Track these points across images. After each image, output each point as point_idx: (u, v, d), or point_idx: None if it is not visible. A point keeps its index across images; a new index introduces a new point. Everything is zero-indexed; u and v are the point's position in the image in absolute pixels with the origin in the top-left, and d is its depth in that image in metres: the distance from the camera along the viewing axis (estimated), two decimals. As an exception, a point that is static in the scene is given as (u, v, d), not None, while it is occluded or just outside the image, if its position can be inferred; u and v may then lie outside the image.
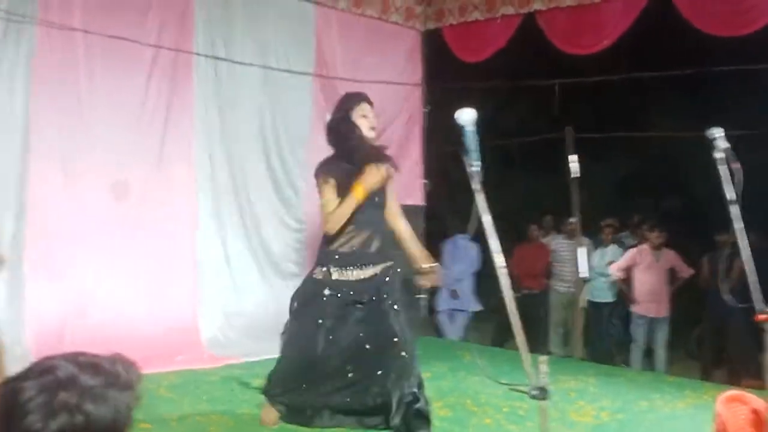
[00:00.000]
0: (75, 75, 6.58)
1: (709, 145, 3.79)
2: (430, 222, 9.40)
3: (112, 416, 1.28)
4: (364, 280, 4.77)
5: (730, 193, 3.67)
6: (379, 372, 4.66)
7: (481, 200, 3.08)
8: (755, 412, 4.07)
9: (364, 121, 4.88)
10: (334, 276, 4.75)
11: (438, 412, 5.54)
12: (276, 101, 7.99)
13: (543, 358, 2.85)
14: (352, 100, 4.99)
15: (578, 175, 9.16)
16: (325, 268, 4.79)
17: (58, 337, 6.17)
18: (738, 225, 3.68)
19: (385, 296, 4.73)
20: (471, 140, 3.18)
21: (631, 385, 6.70)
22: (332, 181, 4.79)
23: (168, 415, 5.10)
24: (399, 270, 4.89)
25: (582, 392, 6.28)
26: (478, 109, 3.14)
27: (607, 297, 9.28)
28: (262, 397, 5.14)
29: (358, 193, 4.68)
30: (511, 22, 8.52)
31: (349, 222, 4.73)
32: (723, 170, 3.69)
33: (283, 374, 4.93)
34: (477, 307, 9.74)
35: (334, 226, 4.72)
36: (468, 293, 9.72)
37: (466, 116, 3.20)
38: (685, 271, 8.88)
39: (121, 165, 6.83)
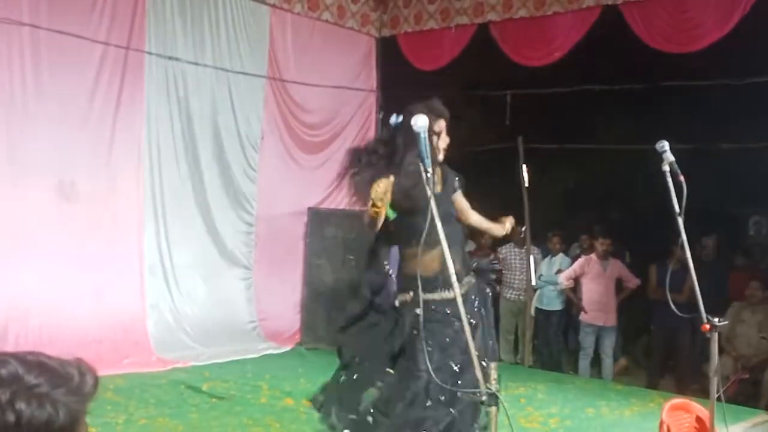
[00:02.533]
0: (21, 70, 6.44)
1: (656, 157, 3.86)
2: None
3: (46, 418, 1.24)
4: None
5: (676, 206, 3.74)
6: None
7: (434, 205, 3.10)
8: (699, 420, 4.17)
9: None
10: None
11: (387, 418, 5.54)
12: (228, 103, 7.93)
13: (493, 364, 2.87)
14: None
15: (528, 184, 9.29)
16: None
17: (1, 340, 6.02)
18: (683, 237, 3.75)
19: None
20: (425, 146, 3.21)
21: (579, 392, 6.80)
22: None
23: (114, 418, 5.01)
24: None
25: (531, 399, 6.35)
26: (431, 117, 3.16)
27: (555, 305, 9.38)
28: (211, 400, 5.09)
29: None
30: (465, 31, 8.60)
31: None
32: (669, 183, 3.76)
33: None
34: None
35: None
36: None
37: (421, 122, 3.23)
38: (632, 281, 9.02)
39: (68, 164, 6.70)
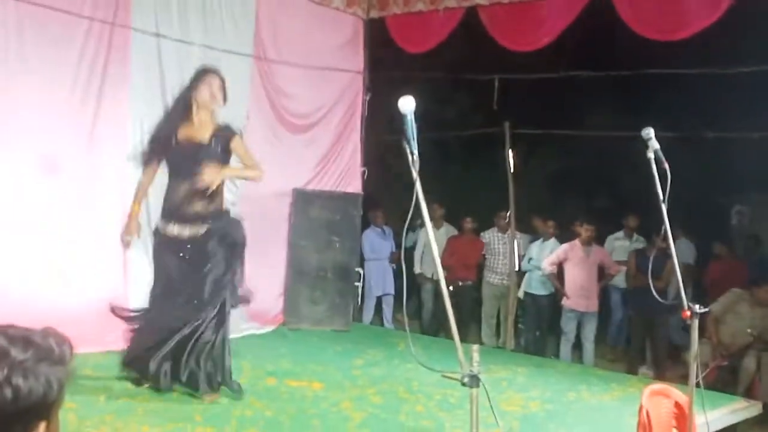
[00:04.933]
0: (5, 44, 6.34)
1: (641, 144, 3.87)
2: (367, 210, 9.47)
3: (42, 391, 1.25)
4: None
5: (660, 193, 3.76)
6: None
7: (419, 189, 3.10)
8: (678, 405, 4.21)
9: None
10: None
11: (371, 398, 5.58)
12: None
13: (475, 347, 2.88)
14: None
15: (514, 169, 9.31)
16: None
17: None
18: (666, 224, 3.77)
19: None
20: (411, 128, 3.20)
21: (560, 376, 6.85)
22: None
23: (95, 395, 5.00)
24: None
25: (512, 382, 6.39)
26: (419, 100, 3.15)
27: (543, 290, 9.43)
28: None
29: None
30: (453, 15, 8.57)
31: None
32: (654, 170, 3.78)
33: None
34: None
35: None
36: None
37: (408, 104, 3.21)
38: (613, 268, 9.10)
39: (51, 139, 6.62)
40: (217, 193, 5.25)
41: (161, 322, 5.23)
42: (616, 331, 10.15)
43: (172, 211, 5.24)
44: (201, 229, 5.19)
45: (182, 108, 5.31)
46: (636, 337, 8.90)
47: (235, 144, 5.34)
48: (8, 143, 6.37)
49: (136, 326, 5.47)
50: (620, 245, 9.88)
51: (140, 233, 5.56)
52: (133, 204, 5.54)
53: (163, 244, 5.30)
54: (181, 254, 5.21)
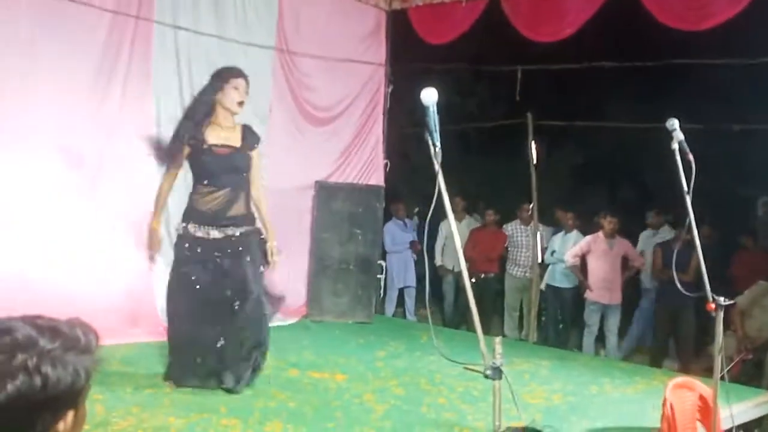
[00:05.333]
0: (30, 38, 6.38)
1: (666, 136, 3.84)
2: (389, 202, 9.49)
3: (71, 380, 1.27)
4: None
5: (684, 185, 3.73)
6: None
7: (441, 181, 3.10)
8: (702, 398, 4.19)
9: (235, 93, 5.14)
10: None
11: (393, 390, 5.59)
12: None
13: (498, 339, 2.88)
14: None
15: (536, 161, 9.27)
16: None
17: (8, 309, 6.03)
18: (690, 216, 3.75)
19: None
20: (433, 120, 3.20)
21: (583, 369, 6.82)
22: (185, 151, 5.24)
23: (122, 387, 5.05)
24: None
25: (535, 374, 6.37)
26: (441, 92, 3.14)
27: (566, 282, 9.39)
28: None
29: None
30: (475, 6, 8.53)
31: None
32: (678, 161, 3.75)
33: None
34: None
35: None
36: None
37: (430, 96, 3.21)
38: (637, 260, 9.04)
39: (75, 133, 6.68)
40: (249, 196, 5.23)
41: (201, 336, 5.10)
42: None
43: (208, 218, 5.07)
44: (237, 231, 5.10)
45: (205, 110, 5.11)
46: (660, 330, 8.85)
47: (254, 154, 5.26)
48: (31, 138, 6.42)
49: (174, 342, 5.26)
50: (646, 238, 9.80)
51: (161, 245, 5.43)
52: (154, 217, 5.30)
53: (197, 247, 5.09)
54: (218, 254, 5.07)
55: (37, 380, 1.23)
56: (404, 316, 10.29)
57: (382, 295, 9.73)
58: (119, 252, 6.91)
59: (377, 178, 9.20)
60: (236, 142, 5.14)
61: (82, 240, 6.69)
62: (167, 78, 7.36)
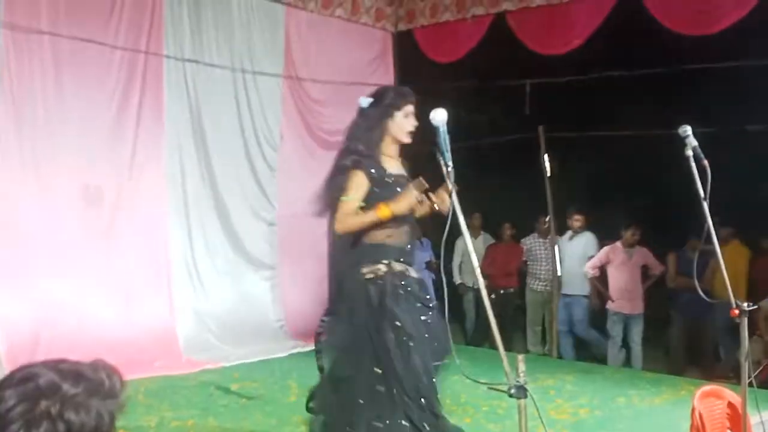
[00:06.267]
0: (42, 79, 6.49)
1: (679, 142, 3.82)
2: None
3: (94, 424, 1.26)
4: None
5: (700, 191, 3.70)
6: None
7: (455, 199, 3.09)
8: (731, 406, 4.12)
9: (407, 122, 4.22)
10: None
11: (417, 413, 5.54)
12: (246, 103, 7.96)
13: (521, 356, 2.85)
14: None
15: (550, 174, 9.23)
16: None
17: (32, 345, 6.08)
18: (708, 222, 3.71)
19: None
20: (444, 140, 3.19)
21: (608, 381, 6.75)
22: (366, 182, 4.09)
23: (146, 421, 5.05)
24: None
25: (560, 390, 6.31)
26: (451, 110, 3.14)
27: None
28: (241, 401, 5.11)
29: (383, 213, 3.95)
30: (481, 22, 8.55)
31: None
32: (693, 168, 3.72)
33: None
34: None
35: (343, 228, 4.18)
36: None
37: (440, 116, 3.21)
38: (657, 268, 8.95)
39: (93, 170, 6.76)
40: None
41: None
42: None
43: (400, 253, 4.14)
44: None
45: (378, 136, 4.22)
46: (679, 338, 8.77)
47: None
48: (51, 174, 6.52)
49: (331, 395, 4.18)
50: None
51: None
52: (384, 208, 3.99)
53: (402, 287, 4.09)
54: (416, 295, 4.20)
55: (61, 427, 1.23)
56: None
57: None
58: (140, 285, 6.96)
59: (391, 199, 9.18)
60: (403, 171, 4.33)
61: (103, 275, 6.73)
62: (179, 111, 7.43)
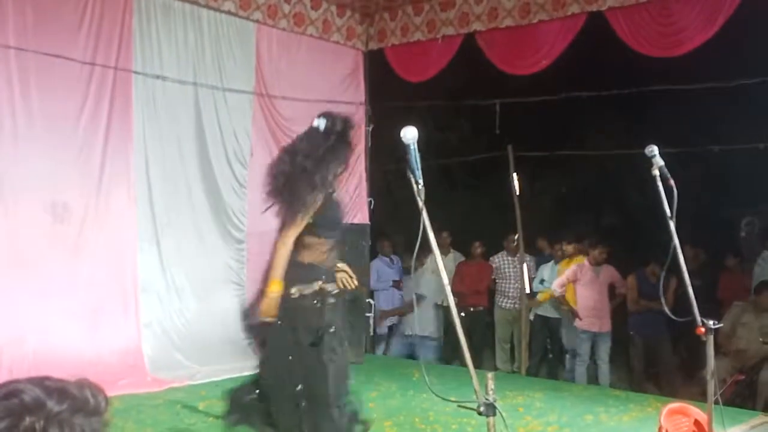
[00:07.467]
0: (9, 92, 6.42)
1: (645, 162, 3.87)
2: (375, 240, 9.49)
3: None
4: None
5: (667, 210, 3.75)
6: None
7: (425, 217, 3.10)
8: (697, 423, 4.17)
9: None
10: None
11: (387, 431, 5.53)
12: (216, 120, 7.93)
13: (490, 374, 2.86)
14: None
15: (519, 193, 9.30)
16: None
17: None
18: (675, 240, 3.76)
19: None
20: (415, 158, 3.21)
21: (577, 399, 6.78)
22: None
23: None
24: None
25: (529, 407, 6.33)
26: (421, 129, 3.16)
27: (556, 312, 9.37)
28: (208, 419, 5.05)
29: (274, 286, 4.22)
30: (452, 42, 8.63)
31: None
32: (659, 187, 3.77)
33: None
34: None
35: None
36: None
37: (411, 134, 3.23)
38: (624, 287, 9.04)
39: (59, 185, 6.68)
40: None
41: None
42: None
43: (327, 274, 4.32)
44: None
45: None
46: (638, 359, 8.88)
47: None
48: (18, 190, 6.42)
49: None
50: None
51: None
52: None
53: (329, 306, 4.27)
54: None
55: None
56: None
57: (372, 333, 9.66)
58: (105, 304, 6.88)
59: (362, 216, 9.20)
60: None
61: (68, 292, 6.64)
62: (148, 127, 7.38)
